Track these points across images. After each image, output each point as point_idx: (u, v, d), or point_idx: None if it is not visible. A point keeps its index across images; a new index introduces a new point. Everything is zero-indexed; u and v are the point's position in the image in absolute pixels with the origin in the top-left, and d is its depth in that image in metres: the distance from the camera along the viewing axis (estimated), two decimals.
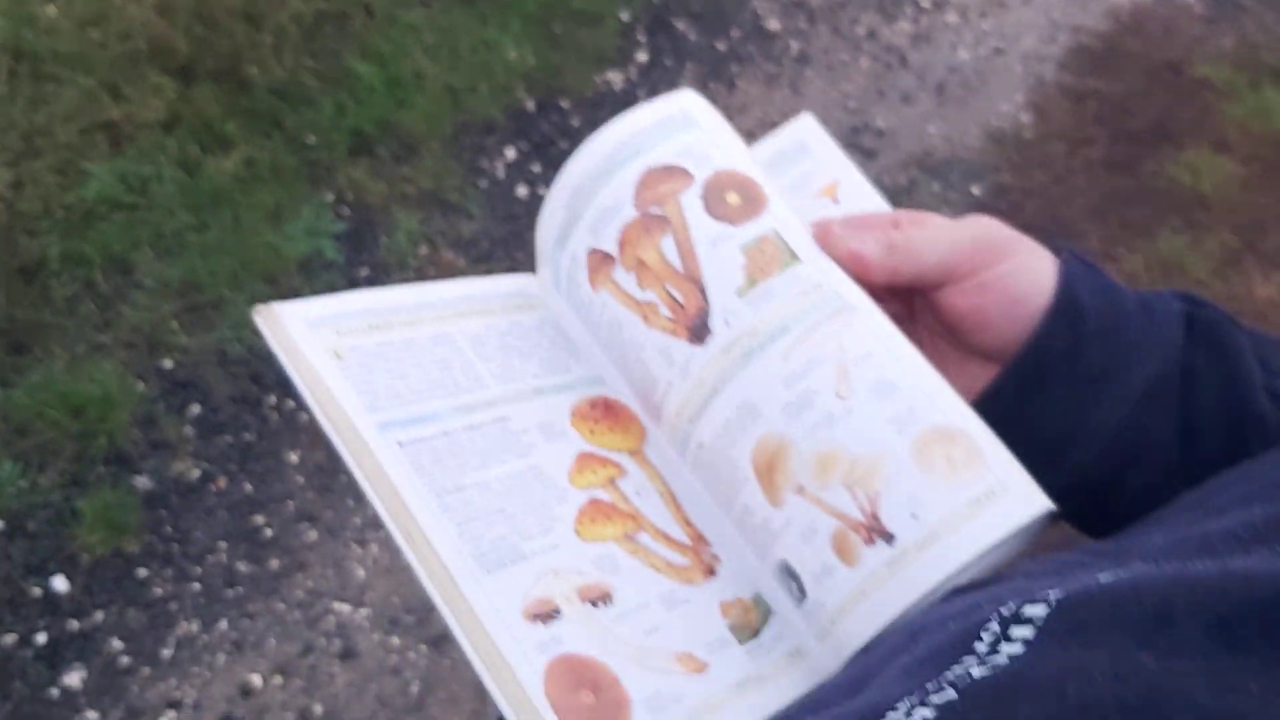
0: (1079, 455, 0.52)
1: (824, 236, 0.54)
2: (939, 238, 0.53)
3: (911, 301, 0.57)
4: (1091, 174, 2.81)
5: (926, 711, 0.30)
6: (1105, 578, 0.32)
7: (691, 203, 0.55)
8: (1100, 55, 3.12)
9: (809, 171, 0.66)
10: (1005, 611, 0.33)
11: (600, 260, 0.56)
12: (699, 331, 0.53)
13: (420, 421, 0.51)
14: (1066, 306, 0.52)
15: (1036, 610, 0.32)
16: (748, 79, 2.95)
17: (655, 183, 0.56)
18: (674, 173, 0.56)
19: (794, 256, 0.53)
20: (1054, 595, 0.32)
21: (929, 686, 0.31)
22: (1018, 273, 0.53)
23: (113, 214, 2.40)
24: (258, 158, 2.52)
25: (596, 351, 0.59)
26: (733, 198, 0.55)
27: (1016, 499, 0.47)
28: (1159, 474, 0.51)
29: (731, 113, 2.83)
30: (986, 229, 0.54)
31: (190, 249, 2.37)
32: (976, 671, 0.31)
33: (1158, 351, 0.51)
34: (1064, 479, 0.50)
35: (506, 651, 0.45)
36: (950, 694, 0.30)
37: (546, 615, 0.47)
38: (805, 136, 0.67)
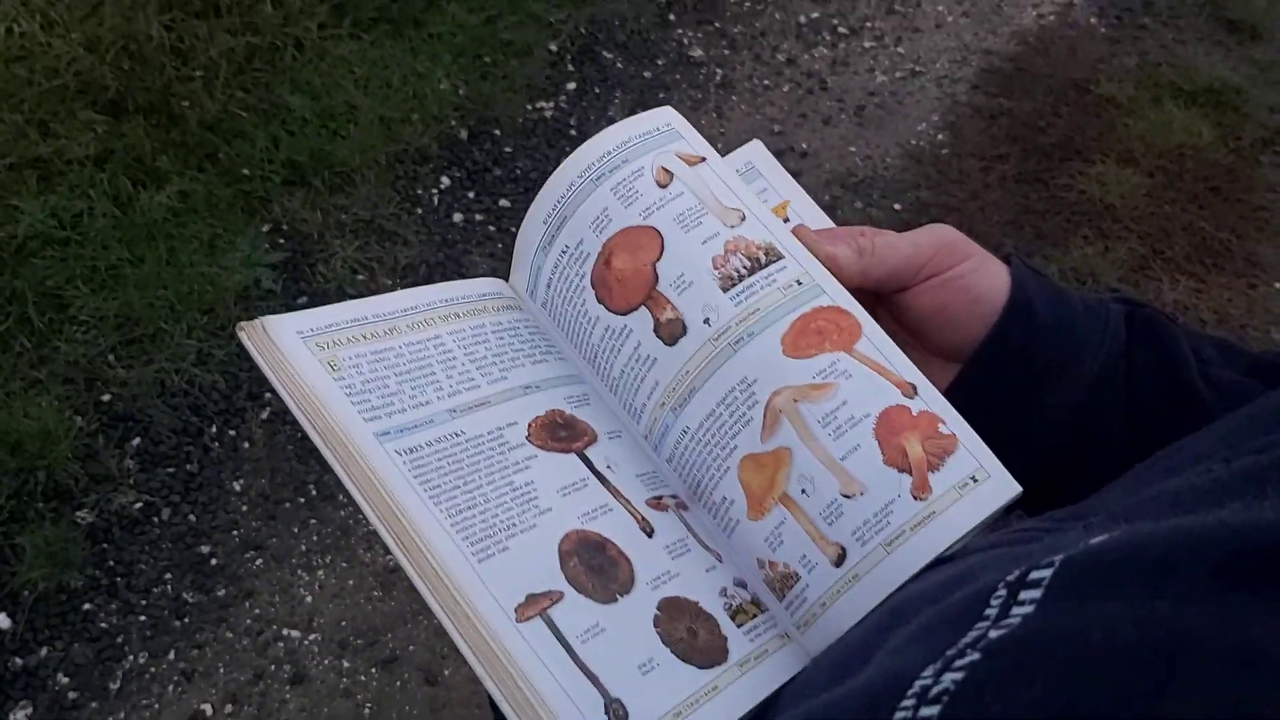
0: (1038, 440, 0.57)
1: (804, 239, 0.59)
2: (902, 241, 0.58)
3: (874, 310, 0.61)
4: (1006, 188, 2.92)
5: (955, 675, 0.31)
6: (1098, 539, 0.35)
7: (678, 207, 0.59)
8: (1010, 76, 3.25)
9: (761, 191, 0.71)
10: (1010, 578, 0.35)
11: (585, 264, 0.60)
12: (677, 330, 0.56)
13: (416, 428, 0.53)
14: (1020, 305, 0.57)
15: (1042, 574, 0.34)
16: (674, 105, 3.02)
17: (644, 191, 0.59)
18: (660, 180, 0.60)
19: (776, 254, 0.57)
20: (1056, 559, 0.34)
21: (949, 653, 0.33)
22: (976, 273, 0.58)
23: (45, 250, 2.38)
24: (192, 190, 2.52)
25: (572, 350, 0.62)
26: (716, 202, 0.59)
27: (994, 483, 0.52)
28: (1110, 454, 0.56)
29: None
30: (944, 234, 0.59)
31: (126, 283, 2.37)
32: (994, 633, 0.32)
33: (1104, 345, 0.57)
34: (1026, 462, 0.54)
35: (511, 649, 0.46)
36: (974, 655, 0.32)
37: (544, 607, 0.48)
38: (755, 159, 0.72)
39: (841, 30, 3.34)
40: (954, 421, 0.53)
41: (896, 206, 2.86)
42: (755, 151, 0.72)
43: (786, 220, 0.69)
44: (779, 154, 2.95)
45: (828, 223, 0.69)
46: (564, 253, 0.61)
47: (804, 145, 2.99)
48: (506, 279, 0.66)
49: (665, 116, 0.63)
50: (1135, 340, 0.58)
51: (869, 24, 3.38)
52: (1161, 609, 0.29)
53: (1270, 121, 3.12)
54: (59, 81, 2.59)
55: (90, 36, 2.64)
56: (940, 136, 3.06)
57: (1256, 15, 3.42)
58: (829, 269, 0.58)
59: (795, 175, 2.89)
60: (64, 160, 2.50)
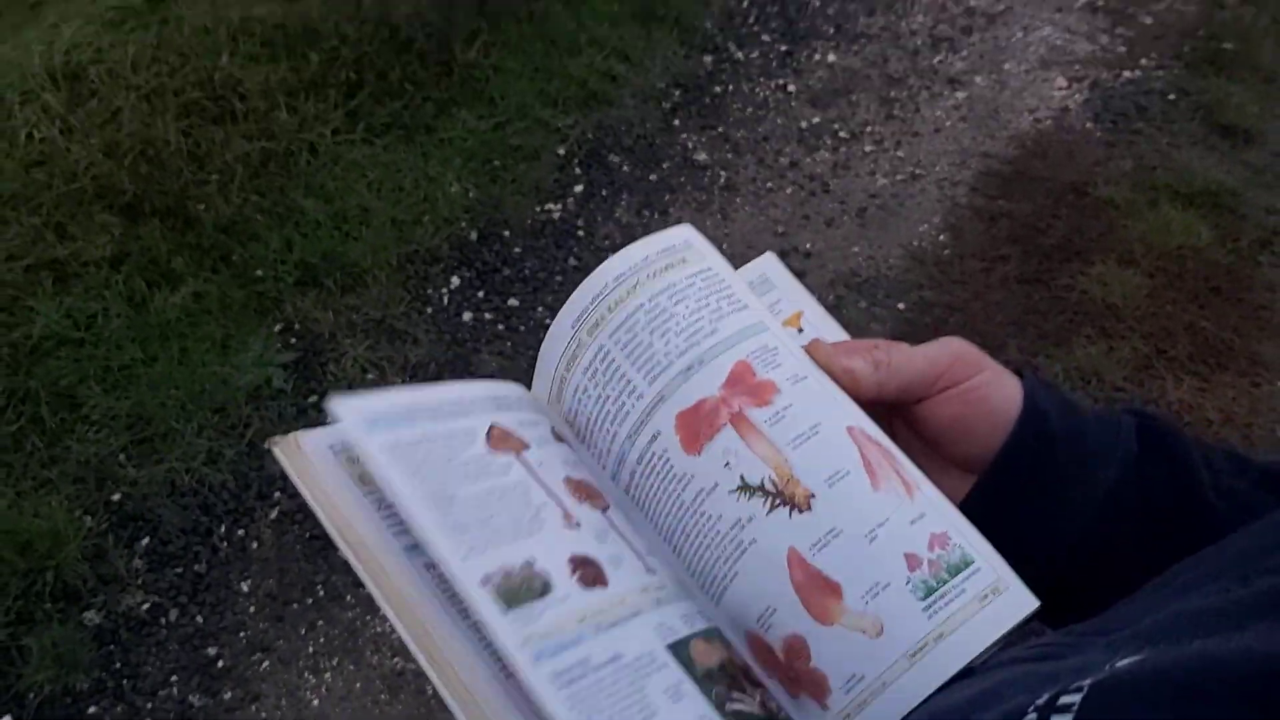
0: (1054, 552, 0.57)
1: (818, 355, 0.60)
2: (917, 354, 0.59)
3: (890, 422, 0.62)
4: (1008, 289, 2.96)
5: None
6: (1125, 663, 0.35)
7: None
8: (1008, 179, 3.32)
9: (774, 302, 0.72)
10: (1040, 702, 0.35)
11: (611, 376, 0.61)
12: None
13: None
14: (1034, 417, 0.58)
15: (1071, 699, 0.34)
16: (679, 207, 3.08)
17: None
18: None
19: (798, 377, 0.59)
20: (1085, 683, 0.34)
21: None
22: (991, 385, 0.59)
23: (59, 350, 2.41)
24: (205, 292, 2.56)
25: (596, 466, 0.62)
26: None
27: (1014, 597, 0.52)
28: (1125, 566, 0.56)
29: None
30: (958, 347, 0.60)
31: (138, 382, 2.39)
32: None
33: (1117, 457, 0.58)
34: (1041, 573, 0.55)
35: None
36: None
37: None
38: (768, 271, 0.73)
39: (842, 135, 3.41)
40: (969, 534, 0.54)
41: (900, 306, 2.90)
42: (768, 264, 0.74)
43: (800, 330, 0.71)
44: (782, 254, 2.99)
45: (842, 333, 0.70)
46: (589, 365, 0.62)
47: (808, 246, 3.04)
48: (518, 380, 0.67)
49: (683, 234, 0.65)
50: (1148, 453, 0.59)
51: (869, 128, 3.45)
52: None
53: (1267, 222, 3.18)
54: (77, 185, 2.64)
55: (109, 142, 2.70)
56: (942, 237, 3.11)
57: (1249, 120, 3.50)
58: (845, 384, 0.59)
59: (800, 275, 2.93)
60: (80, 262, 2.53)
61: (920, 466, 0.58)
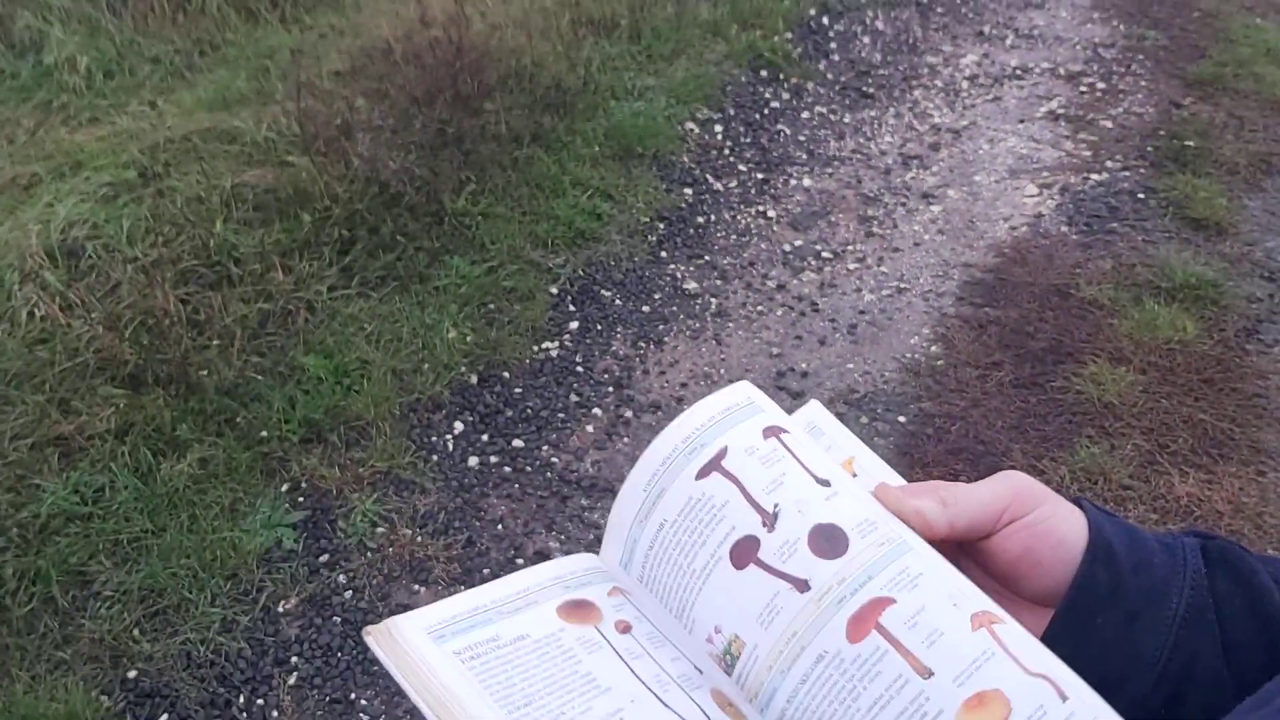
0: (1136, 685, 0.58)
1: (887, 499, 0.62)
2: (981, 490, 0.61)
3: (960, 559, 0.63)
4: (1004, 394, 2.99)
5: None
6: None
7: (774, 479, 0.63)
8: (992, 286, 3.38)
9: (826, 449, 0.74)
10: None
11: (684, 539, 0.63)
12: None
13: None
14: (1102, 547, 0.59)
15: None
16: (674, 336, 3.12)
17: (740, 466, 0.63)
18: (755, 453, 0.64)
19: (870, 524, 0.60)
20: None
21: None
22: (1056, 516, 0.60)
23: (68, 526, 2.39)
24: (211, 457, 2.56)
25: (675, 626, 0.63)
26: (806, 473, 0.63)
27: None
28: (1212, 693, 0.57)
29: (664, 367, 2.98)
30: (1018, 480, 0.61)
31: (149, 554, 2.37)
32: None
33: (1186, 582, 0.59)
34: (1124, 704, 0.55)
35: None
36: None
37: None
38: (815, 418, 0.76)
39: (825, 255, 3.49)
40: (1070, 680, 0.55)
41: (901, 419, 2.92)
42: (815, 411, 0.76)
43: (855, 475, 0.72)
44: (779, 375, 3.03)
45: (893, 473, 0.71)
46: (660, 527, 0.64)
47: (803, 366, 3.07)
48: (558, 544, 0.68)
49: (745, 392, 0.67)
50: (1214, 574, 0.60)
51: (850, 247, 3.53)
52: None
53: (1249, 311, 3.24)
54: (79, 359, 2.66)
55: (109, 314, 2.73)
56: (934, 348, 3.16)
57: (1219, 213, 3.60)
58: (915, 524, 0.60)
59: (798, 396, 2.96)
60: (85, 436, 2.54)
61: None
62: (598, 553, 0.68)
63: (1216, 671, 0.58)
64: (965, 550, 0.63)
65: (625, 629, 0.62)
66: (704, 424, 0.65)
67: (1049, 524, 0.60)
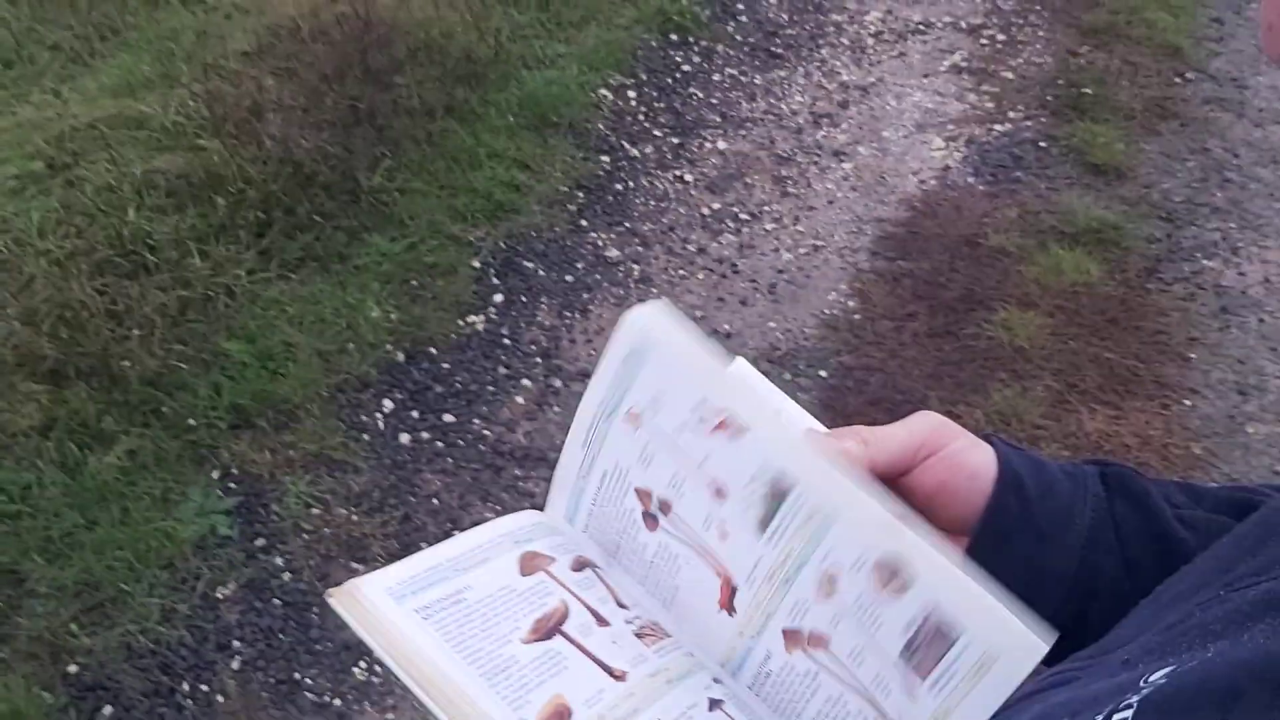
0: (1046, 601, 0.64)
1: (816, 445, 0.66)
2: (899, 429, 0.66)
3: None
4: (920, 344, 3.08)
5: None
6: (1159, 676, 0.40)
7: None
8: (904, 240, 3.47)
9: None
10: (1100, 718, 0.40)
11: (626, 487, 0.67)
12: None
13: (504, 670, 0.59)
14: (1010, 478, 0.65)
15: (1124, 715, 0.38)
16: (599, 304, 3.16)
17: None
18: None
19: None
20: (1132, 699, 0.39)
21: None
22: (967, 450, 0.66)
23: None
24: (139, 448, 2.55)
25: (625, 577, 0.68)
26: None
27: (1015, 652, 0.58)
28: (1112, 602, 0.63)
29: (591, 335, 3.02)
30: (932, 418, 0.67)
31: (81, 549, 2.36)
32: None
33: (1088, 505, 0.65)
34: (1039, 619, 0.62)
35: None
36: None
37: None
38: (742, 374, 0.80)
39: (743, 217, 3.54)
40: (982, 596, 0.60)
41: (822, 374, 3.00)
42: (740, 368, 0.80)
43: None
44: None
45: (818, 425, 0.74)
46: (604, 476, 0.68)
47: (726, 327, 3.13)
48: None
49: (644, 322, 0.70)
50: (1113, 497, 0.67)
51: (767, 208, 3.59)
52: None
53: (1149, 251, 3.37)
54: None
55: (25, 310, 2.69)
56: (851, 303, 3.23)
57: (1118, 158, 3.72)
58: (840, 464, 0.65)
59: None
60: (8, 434, 2.51)
61: None
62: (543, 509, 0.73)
63: (1118, 585, 0.65)
64: (887, 485, 0.68)
65: (580, 566, 0.67)
66: (621, 362, 0.69)
67: (961, 457, 0.66)
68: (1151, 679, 0.40)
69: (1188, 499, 0.68)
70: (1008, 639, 0.58)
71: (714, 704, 0.61)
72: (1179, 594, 0.51)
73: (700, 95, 4.04)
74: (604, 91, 3.90)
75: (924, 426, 0.67)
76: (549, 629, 0.62)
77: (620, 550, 0.68)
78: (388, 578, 0.60)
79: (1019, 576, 0.64)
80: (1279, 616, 0.39)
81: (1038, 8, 4.60)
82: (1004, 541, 0.65)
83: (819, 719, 0.61)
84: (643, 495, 0.67)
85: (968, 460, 0.66)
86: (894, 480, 0.67)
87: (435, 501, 2.59)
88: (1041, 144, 3.83)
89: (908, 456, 0.66)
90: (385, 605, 0.59)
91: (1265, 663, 0.37)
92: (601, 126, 3.78)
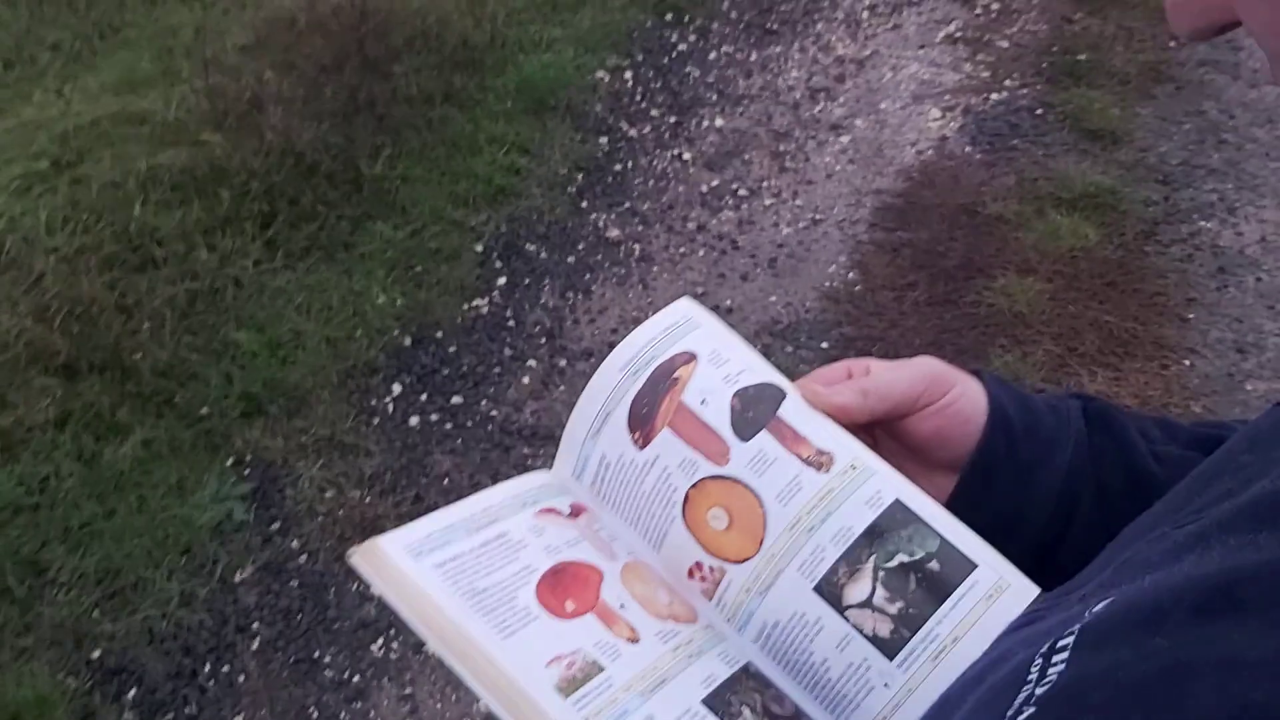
0: (1030, 527, 0.69)
1: (811, 397, 0.69)
2: (897, 377, 0.69)
3: (874, 433, 0.71)
4: (920, 313, 3.11)
5: None
6: (1099, 607, 0.43)
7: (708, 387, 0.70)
8: (903, 210, 3.49)
9: (709, 351, 0.80)
10: (1043, 649, 0.43)
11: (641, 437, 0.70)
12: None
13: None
14: (999, 420, 0.69)
15: (1066, 641, 0.42)
16: (601, 284, 3.19)
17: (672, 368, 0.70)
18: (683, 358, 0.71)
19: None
20: (1075, 628, 0.42)
21: (1009, 713, 0.40)
22: (963, 399, 0.70)
23: (16, 518, 2.42)
24: (154, 438, 2.59)
25: (625, 529, 0.70)
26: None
27: (1016, 590, 0.62)
28: (1086, 532, 0.67)
29: (594, 315, 3.06)
30: (932, 366, 0.70)
31: (101, 537, 2.41)
32: (1040, 690, 0.40)
33: (1070, 440, 0.69)
34: (1020, 549, 0.65)
35: None
36: (1030, 710, 0.39)
37: None
38: (691, 313, 0.77)
39: (742, 193, 3.57)
40: (977, 545, 0.64)
41: (824, 345, 3.03)
42: (684, 307, 0.77)
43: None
44: None
45: (763, 363, 0.74)
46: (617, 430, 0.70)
47: (728, 302, 3.17)
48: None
49: (684, 309, 0.73)
50: (1093, 430, 0.70)
51: (765, 183, 3.61)
52: (1161, 645, 0.38)
53: (1146, 214, 3.39)
54: (10, 353, 2.67)
55: (36, 306, 2.74)
56: (851, 275, 3.26)
57: (1113, 122, 3.74)
58: (839, 418, 0.68)
59: None
60: (25, 428, 2.56)
61: (908, 471, 0.67)
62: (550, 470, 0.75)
63: (1092, 517, 0.69)
64: (882, 426, 0.71)
65: (578, 512, 0.70)
66: (646, 344, 0.71)
67: (958, 406, 0.69)
68: (1094, 610, 0.43)
69: (1164, 435, 0.72)
70: (1013, 577, 0.63)
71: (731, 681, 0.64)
72: (1135, 532, 0.54)
73: (696, 74, 4.06)
74: (600, 73, 3.92)
75: (923, 377, 0.69)
76: (561, 587, 0.65)
77: (621, 502, 0.71)
78: (408, 536, 0.63)
79: (1004, 506, 0.69)
80: (1207, 549, 0.42)
81: None
82: (991, 476, 0.69)
83: (825, 666, 0.63)
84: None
85: (963, 409, 0.69)
86: (890, 422, 0.71)
87: (446, 481, 2.64)
88: (1038, 111, 3.85)
89: (906, 406, 0.69)
90: (405, 562, 0.61)
91: (1186, 585, 0.40)
92: (599, 108, 3.81)
